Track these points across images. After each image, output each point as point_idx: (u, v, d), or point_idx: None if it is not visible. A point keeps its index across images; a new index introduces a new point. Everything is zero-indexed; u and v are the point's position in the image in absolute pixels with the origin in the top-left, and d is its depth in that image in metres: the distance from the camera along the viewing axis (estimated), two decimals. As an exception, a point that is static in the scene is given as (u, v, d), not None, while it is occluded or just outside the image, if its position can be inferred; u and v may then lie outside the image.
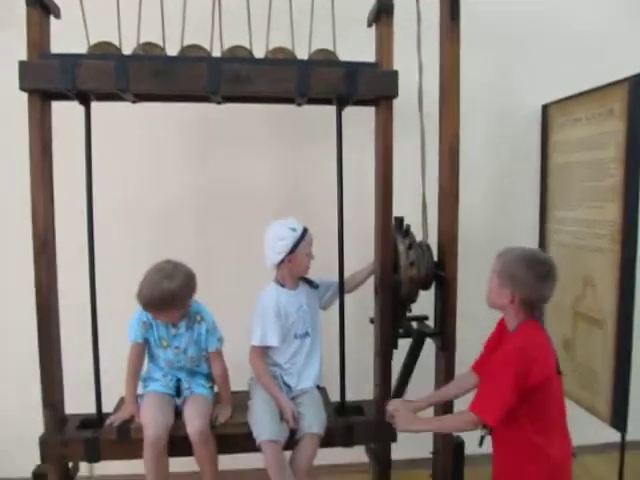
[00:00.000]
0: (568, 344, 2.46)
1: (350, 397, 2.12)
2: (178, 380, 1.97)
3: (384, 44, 1.94)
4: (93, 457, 1.94)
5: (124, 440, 1.89)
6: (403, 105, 2.03)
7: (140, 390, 1.98)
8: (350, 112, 2.06)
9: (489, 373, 1.62)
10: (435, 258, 2.15)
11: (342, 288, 2.07)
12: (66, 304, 2.01)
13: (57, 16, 1.91)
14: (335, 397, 2.11)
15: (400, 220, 2.14)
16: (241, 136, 2.56)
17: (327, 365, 2.11)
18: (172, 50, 1.92)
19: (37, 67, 1.79)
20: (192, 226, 2.58)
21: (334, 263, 2.04)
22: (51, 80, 1.78)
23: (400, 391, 2.05)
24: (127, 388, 1.94)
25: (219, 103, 2.02)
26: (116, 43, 1.90)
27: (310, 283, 2.10)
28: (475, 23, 2.20)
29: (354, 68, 1.88)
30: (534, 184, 2.77)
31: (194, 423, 1.84)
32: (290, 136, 2.59)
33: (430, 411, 2.10)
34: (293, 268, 2.01)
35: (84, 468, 2.35)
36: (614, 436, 2.22)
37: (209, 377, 2.04)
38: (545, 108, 2.72)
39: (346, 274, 2.08)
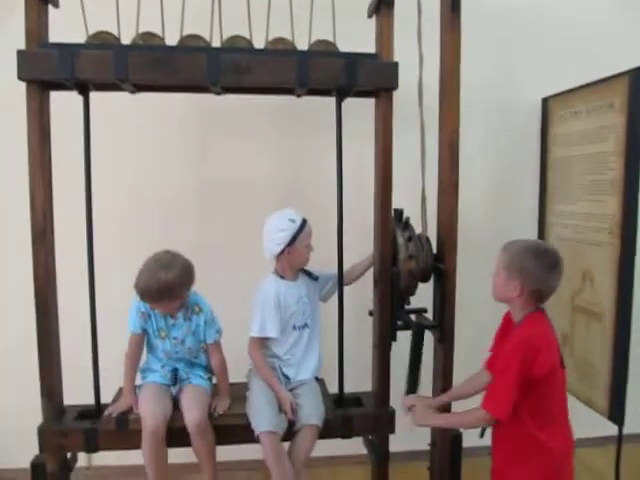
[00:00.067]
0: (566, 338, 2.46)
1: (349, 389, 2.13)
2: (175, 369, 1.97)
3: (384, 35, 1.94)
4: (91, 447, 1.94)
5: (122, 430, 1.89)
6: (403, 98, 2.03)
7: (138, 381, 1.99)
8: (350, 105, 2.05)
9: (497, 368, 1.63)
10: (434, 251, 2.15)
11: (341, 280, 2.07)
12: (64, 294, 2.00)
13: (55, 5, 1.90)
14: (334, 389, 2.11)
15: (400, 212, 2.13)
16: (241, 127, 2.55)
17: (326, 357, 2.12)
18: (171, 40, 1.91)
19: (35, 56, 1.77)
20: (191, 217, 2.57)
21: (333, 255, 2.04)
22: (50, 70, 1.77)
23: (413, 387, 2.05)
24: (125, 379, 1.94)
25: (218, 94, 2.02)
26: (115, 33, 1.89)
27: (310, 275, 2.10)
28: (476, 16, 2.19)
29: (354, 59, 1.88)
30: (534, 177, 2.76)
31: (192, 414, 1.84)
32: (290, 128, 2.59)
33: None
34: (292, 259, 2.01)
35: (82, 459, 2.37)
36: (611, 429, 2.23)
37: (207, 368, 2.04)
38: (545, 101, 2.71)
39: (345, 266, 2.08)
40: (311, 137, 2.59)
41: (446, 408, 2.01)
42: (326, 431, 1.93)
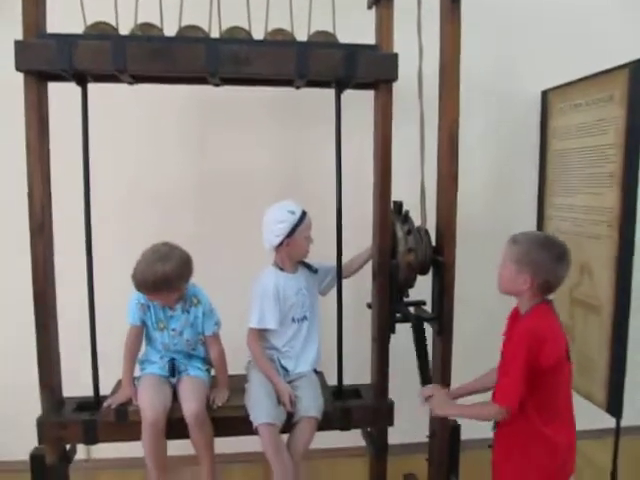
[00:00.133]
0: (565, 330, 2.46)
1: (347, 381, 2.13)
2: (173, 360, 1.97)
3: (384, 26, 1.93)
4: (91, 439, 1.94)
5: (122, 422, 1.90)
6: (402, 90, 2.01)
7: (137, 373, 1.99)
8: (349, 97, 2.04)
9: (504, 359, 1.63)
10: (433, 243, 2.15)
11: (340, 273, 2.06)
12: (63, 286, 2.00)
13: (53, -5, 1.89)
14: (332, 381, 2.11)
15: (399, 205, 2.13)
16: (240, 119, 2.54)
17: (325, 349, 2.11)
18: (170, 31, 1.90)
19: (33, 47, 1.76)
20: (190, 209, 2.57)
21: (332, 247, 2.04)
22: (47, 60, 1.75)
23: (427, 378, 2.04)
24: (124, 371, 1.95)
25: (217, 85, 2.01)
26: (113, 23, 1.88)
27: (309, 267, 2.10)
28: (475, 7, 2.17)
29: (353, 50, 1.87)
30: (533, 170, 2.77)
31: (190, 406, 1.84)
32: (289, 120, 2.58)
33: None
34: (292, 251, 2.01)
35: (81, 451, 2.37)
36: (609, 422, 2.24)
37: (206, 360, 2.05)
38: (545, 94, 2.71)
39: (344, 258, 2.08)
40: (310, 129, 2.58)
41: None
42: (325, 423, 1.93)
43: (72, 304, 2.03)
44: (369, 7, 2.03)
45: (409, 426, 2.35)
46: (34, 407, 1.94)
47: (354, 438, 2.29)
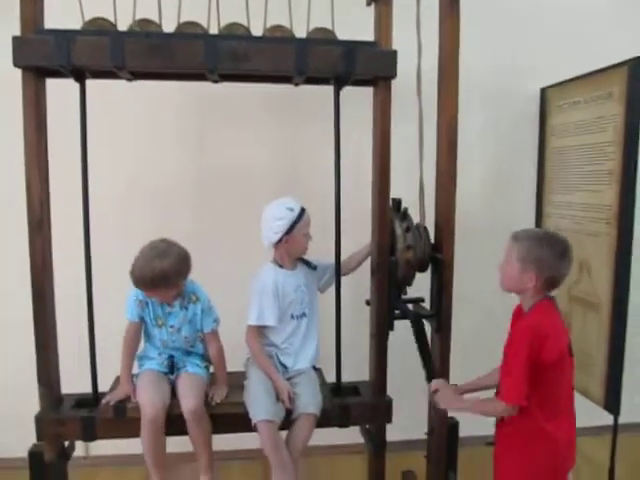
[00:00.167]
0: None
1: (346, 378, 2.13)
2: (172, 357, 1.97)
3: (383, 23, 1.93)
4: (89, 436, 1.94)
5: (120, 418, 1.89)
6: (401, 87, 2.01)
7: (135, 369, 1.98)
8: (348, 94, 2.03)
9: (507, 356, 1.63)
10: (432, 240, 2.15)
11: (339, 270, 2.06)
12: (61, 283, 2.00)
13: (51, -9, 1.88)
14: (331, 378, 2.11)
15: (398, 202, 2.13)
16: (239, 116, 2.54)
17: (323, 346, 2.11)
18: (168, 27, 1.89)
19: (31, 43, 1.75)
20: (189, 205, 2.57)
21: (331, 244, 2.04)
22: (45, 56, 1.75)
23: (431, 374, 2.04)
24: (123, 367, 1.94)
25: (216, 82, 2.00)
26: (111, 19, 1.87)
27: (308, 264, 2.10)
28: (474, 5, 2.16)
29: (352, 47, 1.86)
30: (532, 167, 2.77)
31: (188, 402, 1.84)
32: (287, 117, 2.58)
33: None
34: (291, 248, 2.01)
35: (79, 448, 2.37)
36: (607, 419, 2.25)
37: (204, 357, 2.04)
38: (544, 91, 2.70)
39: (343, 256, 2.08)
40: (309, 126, 2.58)
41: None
42: (323, 420, 1.93)
43: (70, 300, 2.03)
44: (368, 4, 2.03)
45: (408, 423, 2.35)
46: (33, 404, 1.93)
47: (353, 435, 2.29)
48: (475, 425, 2.51)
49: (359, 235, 2.15)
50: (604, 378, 2.23)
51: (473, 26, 2.11)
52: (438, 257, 2.09)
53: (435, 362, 2.18)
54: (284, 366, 2.03)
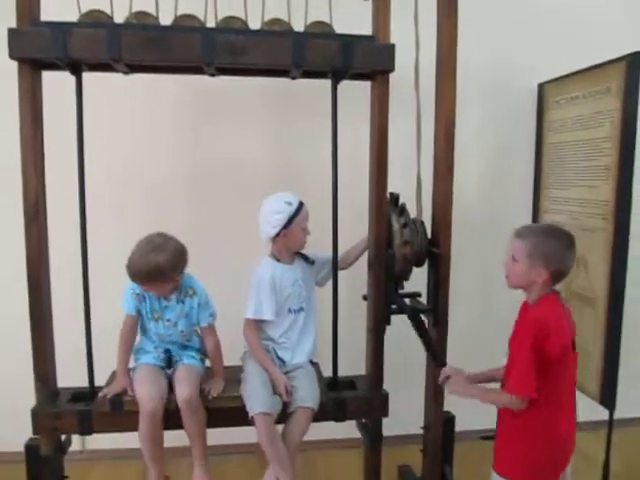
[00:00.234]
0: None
1: (342, 372, 2.13)
2: (168, 351, 1.97)
3: (381, 17, 1.92)
4: (86, 429, 1.94)
5: (117, 412, 1.89)
6: (399, 81, 2.01)
7: (132, 363, 1.98)
8: (345, 89, 2.03)
9: (512, 349, 1.63)
10: (429, 234, 2.15)
11: (336, 264, 2.06)
12: (57, 276, 1.99)
13: (47, -17, 1.87)
14: (327, 372, 2.12)
15: (396, 197, 2.13)
16: (235, 110, 2.54)
17: (320, 341, 2.12)
18: (165, 20, 1.88)
19: (27, 35, 1.74)
20: (186, 199, 2.56)
21: (328, 239, 2.04)
22: (42, 49, 1.74)
23: (440, 361, 2.02)
24: (119, 361, 1.93)
25: (213, 75, 1.99)
26: (108, 11, 1.86)
27: (306, 259, 2.10)
28: (473, 1, 2.17)
29: (350, 41, 1.86)
30: (529, 163, 2.77)
31: (183, 391, 1.84)
32: (285, 111, 2.57)
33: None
34: (289, 242, 2.00)
35: (76, 443, 2.36)
36: (602, 414, 2.25)
37: (200, 351, 2.05)
38: (541, 86, 2.70)
39: (340, 250, 2.08)
40: (306, 120, 2.57)
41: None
42: (320, 414, 1.93)
43: (67, 293, 2.02)
44: (366, -3, 2.02)
45: (404, 417, 2.35)
46: (29, 398, 1.93)
47: (349, 429, 2.30)
48: (471, 419, 2.53)
49: (356, 229, 2.15)
50: (600, 373, 2.24)
51: (471, 21, 2.11)
52: (435, 252, 2.10)
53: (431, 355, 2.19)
54: (281, 360, 2.03)
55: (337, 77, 1.97)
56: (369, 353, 2.11)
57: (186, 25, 1.88)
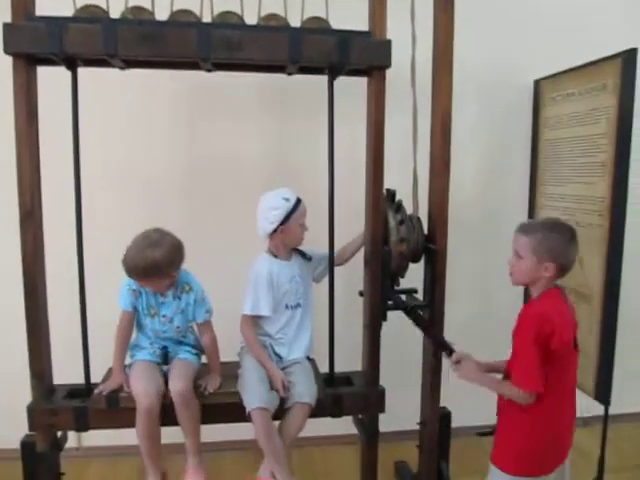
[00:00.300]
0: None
1: (339, 369, 2.13)
2: (164, 347, 1.96)
3: (377, 13, 1.92)
4: (82, 426, 1.93)
5: (113, 409, 1.89)
6: (395, 78, 2.01)
7: (127, 360, 1.98)
8: (340, 85, 2.02)
9: (515, 343, 1.63)
10: (425, 230, 2.15)
11: (332, 261, 2.06)
12: (53, 273, 1.98)
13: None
14: (324, 368, 2.12)
15: (392, 193, 2.13)
16: (231, 106, 2.53)
17: (316, 337, 2.11)
18: (161, 15, 1.88)
19: (22, 29, 1.73)
20: (182, 195, 2.56)
21: (324, 236, 2.04)
22: (37, 43, 1.73)
23: (448, 347, 2.00)
24: (115, 357, 1.93)
25: (209, 71, 1.99)
26: (103, 6, 1.85)
27: (303, 255, 2.10)
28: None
29: (347, 36, 1.85)
30: (525, 159, 2.78)
31: (176, 384, 1.83)
32: (281, 107, 2.57)
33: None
34: (286, 238, 2.00)
35: (72, 440, 2.36)
36: (597, 409, 2.27)
37: (196, 347, 2.04)
38: (537, 83, 2.71)
39: (337, 246, 2.08)
40: (302, 116, 2.57)
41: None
42: (316, 410, 1.93)
43: (62, 290, 2.02)
44: (362, -7, 2.02)
45: (400, 413, 2.36)
46: (25, 395, 1.92)
47: (346, 426, 2.30)
48: (467, 415, 2.54)
49: (353, 226, 2.15)
50: (595, 369, 2.25)
51: (467, 18, 2.12)
52: (431, 248, 2.10)
53: (428, 352, 2.20)
54: (278, 356, 2.03)
55: (333, 73, 1.97)
56: (365, 349, 2.12)
57: (182, 20, 1.86)
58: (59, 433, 2.05)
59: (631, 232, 2.20)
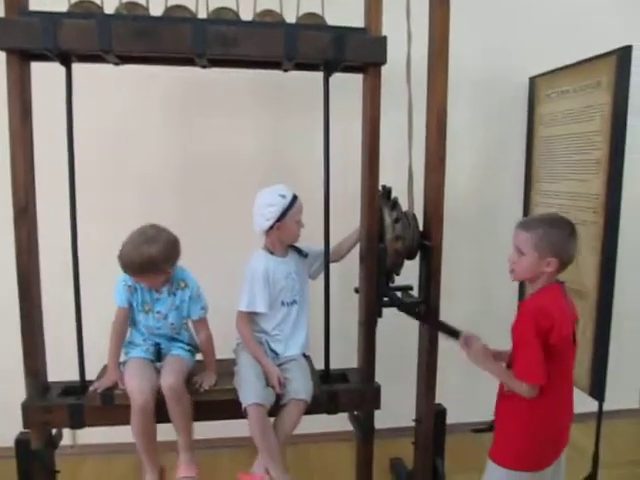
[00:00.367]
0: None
1: (335, 365, 2.13)
2: (157, 344, 1.96)
3: (373, 10, 1.92)
4: (77, 423, 1.93)
5: (108, 406, 1.88)
6: (391, 74, 2.01)
7: (122, 357, 1.97)
8: (336, 82, 2.02)
9: (515, 338, 1.63)
10: (420, 227, 2.15)
11: (327, 258, 2.06)
12: (48, 269, 1.97)
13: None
14: (319, 365, 2.11)
15: (388, 190, 2.13)
16: (227, 102, 2.53)
17: (312, 334, 2.11)
18: (156, 10, 1.87)
19: (16, 25, 1.72)
20: (177, 192, 2.55)
21: (319, 233, 2.04)
22: (31, 39, 1.71)
23: (454, 331, 1.99)
24: (110, 354, 1.92)
25: (204, 67, 1.98)
26: (98, 2, 1.84)
27: (299, 252, 2.10)
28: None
29: (342, 33, 1.85)
30: (520, 156, 2.78)
31: (166, 379, 1.83)
32: (276, 104, 2.57)
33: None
34: (282, 235, 2.00)
35: (67, 437, 2.35)
36: (591, 405, 2.28)
37: (190, 344, 2.04)
38: (532, 80, 2.71)
39: (332, 243, 2.08)
40: (298, 113, 2.57)
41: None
42: (312, 406, 1.93)
43: (57, 287, 2.01)
44: (358, -11, 2.02)
45: (396, 410, 2.36)
46: (20, 392, 1.92)
47: (341, 423, 2.30)
48: (462, 412, 2.55)
49: (349, 222, 2.15)
50: (590, 366, 2.26)
51: (463, 14, 2.11)
52: (427, 244, 2.10)
53: (424, 349, 2.20)
54: (274, 353, 2.03)
55: (329, 69, 1.96)
56: (361, 346, 2.12)
57: (177, 16, 1.86)
58: (54, 431, 2.05)
59: (626, 229, 2.21)
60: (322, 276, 2.08)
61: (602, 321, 2.20)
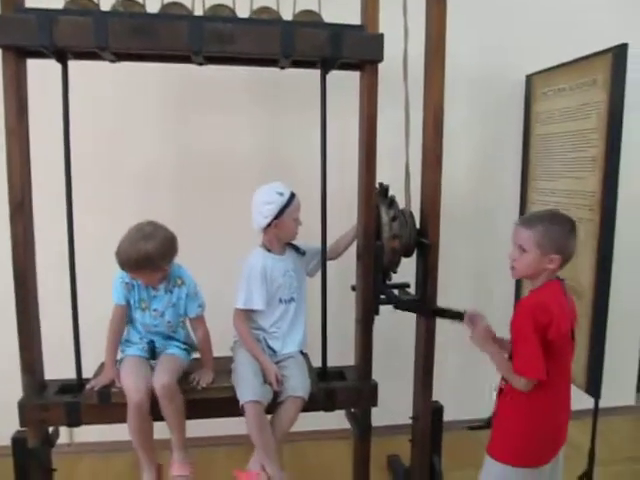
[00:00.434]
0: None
1: (332, 363, 2.14)
2: (152, 342, 1.95)
3: (370, 7, 1.92)
4: (74, 421, 1.93)
5: (105, 404, 1.88)
6: (388, 72, 2.01)
7: (118, 355, 1.96)
8: (333, 79, 2.02)
9: (513, 333, 1.63)
10: (417, 225, 2.15)
11: (324, 255, 2.06)
12: (44, 266, 1.97)
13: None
14: (317, 362, 2.11)
15: (385, 188, 2.13)
16: (223, 100, 2.52)
17: (309, 331, 2.11)
18: (152, 7, 1.86)
19: (12, 21, 1.71)
20: (174, 189, 2.55)
21: (316, 231, 2.03)
22: (27, 36, 1.71)
23: (458, 315, 1.94)
24: (107, 352, 1.92)
25: (201, 64, 1.98)
26: (94, -1, 1.84)
27: (297, 249, 2.10)
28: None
29: (339, 30, 1.85)
30: (517, 154, 2.79)
31: (159, 378, 1.82)
32: (273, 102, 2.57)
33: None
34: (280, 233, 2.00)
35: (64, 436, 2.35)
36: (587, 402, 2.28)
37: (186, 342, 2.03)
38: (529, 78, 2.72)
39: (329, 240, 2.08)
40: (295, 110, 2.57)
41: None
42: (309, 404, 1.93)
43: (53, 284, 2.00)
44: (355, -13, 2.02)
45: (393, 408, 2.37)
46: (17, 390, 1.91)
47: (338, 420, 2.31)
48: (459, 409, 2.55)
49: (346, 220, 2.15)
50: (586, 363, 2.26)
51: (460, 12, 2.12)
52: (424, 242, 2.10)
53: (420, 346, 2.20)
54: (272, 350, 2.03)
55: (326, 67, 1.96)
56: (358, 343, 2.12)
57: (173, 13, 1.86)
58: (51, 429, 2.04)
59: (622, 226, 2.21)
60: (319, 274, 2.08)
61: (598, 318, 2.20)
